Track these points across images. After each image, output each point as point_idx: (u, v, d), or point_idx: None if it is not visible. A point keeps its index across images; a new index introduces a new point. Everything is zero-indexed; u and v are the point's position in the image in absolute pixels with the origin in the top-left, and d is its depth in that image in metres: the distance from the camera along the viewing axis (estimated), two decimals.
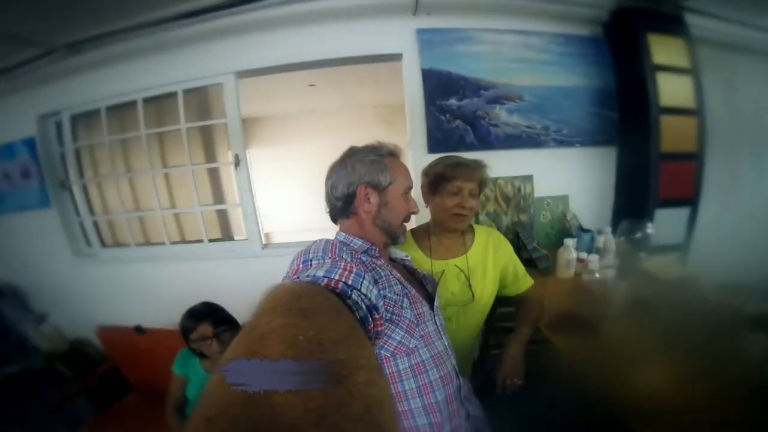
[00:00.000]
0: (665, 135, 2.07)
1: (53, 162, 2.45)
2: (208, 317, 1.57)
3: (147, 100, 2.27)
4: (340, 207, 1.03)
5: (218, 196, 2.49)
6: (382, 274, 0.93)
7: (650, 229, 1.99)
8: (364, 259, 0.93)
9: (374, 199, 0.99)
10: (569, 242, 1.86)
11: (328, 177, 1.06)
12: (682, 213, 2.18)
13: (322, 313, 0.40)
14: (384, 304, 0.85)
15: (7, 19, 1.77)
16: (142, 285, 2.47)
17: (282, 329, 0.33)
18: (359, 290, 0.56)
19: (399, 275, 0.98)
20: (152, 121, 2.32)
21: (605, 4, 2.12)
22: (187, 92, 2.24)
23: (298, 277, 0.58)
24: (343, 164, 1.03)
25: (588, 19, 2.19)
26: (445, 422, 0.93)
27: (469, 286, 1.37)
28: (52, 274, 2.60)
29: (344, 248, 0.85)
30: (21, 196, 2.52)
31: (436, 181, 1.34)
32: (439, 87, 2.16)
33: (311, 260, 0.74)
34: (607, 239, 2.02)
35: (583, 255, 1.90)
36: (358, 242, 0.98)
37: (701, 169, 2.15)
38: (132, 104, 2.27)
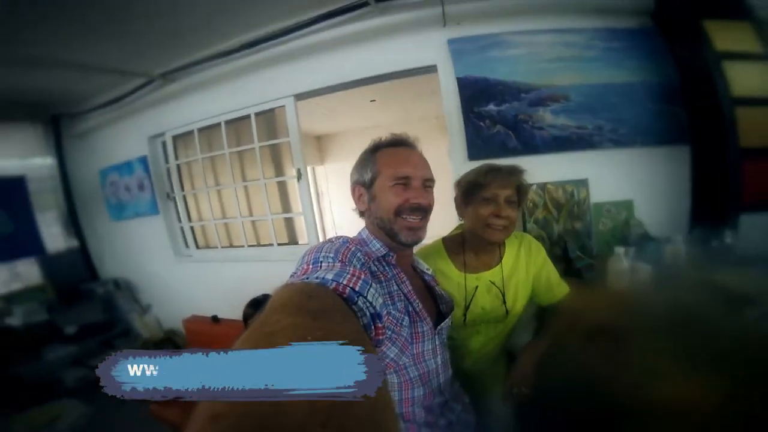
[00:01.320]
0: (744, 129, 1.78)
1: (161, 176, 3.01)
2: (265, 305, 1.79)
3: (228, 122, 2.70)
4: (356, 209, 1.05)
5: (285, 205, 2.81)
6: (390, 289, 0.91)
7: (730, 237, 1.73)
8: (373, 268, 0.90)
9: (365, 196, 0.98)
10: (620, 251, 1.64)
11: None
12: None
13: (331, 315, 0.41)
14: (388, 319, 0.85)
15: (115, 55, 2.30)
16: (223, 282, 2.85)
17: (291, 329, 0.34)
18: (365, 297, 0.56)
19: (409, 289, 0.95)
20: (232, 141, 2.74)
21: None
22: (258, 114, 2.61)
23: (307, 278, 0.58)
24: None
25: (631, 10, 2.03)
26: (421, 429, 0.94)
27: (504, 302, 1.28)
28: (157, 271, 3.15)
29: (358, 252, 0.80)
30: (137, 205, 3.11)
31: (468, 189, 1.24)
32: (477, 94, 2.16)
33: (321, 261, 0.71)
34: (677, 249, 1.77)
35: (640, 265, 1.70)
36: (376, 245, 0.95)
37: None
38: (217, 126, 2.72)
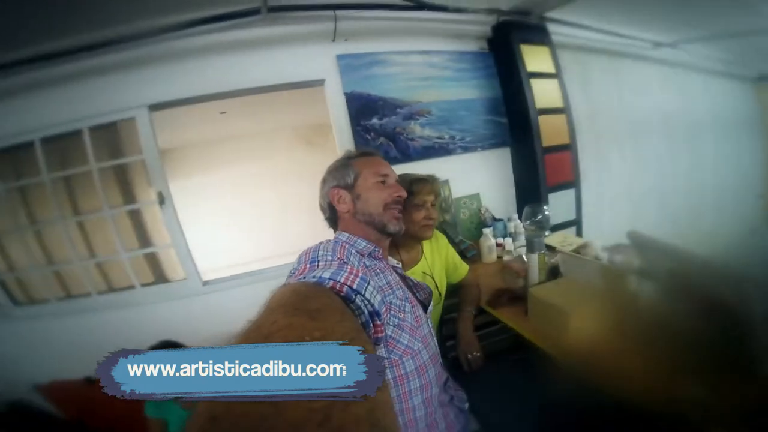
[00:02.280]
0: (544, 132, 2.51)
1: None
2: None
3: (46, 140, 2.05)
4: (330, 217, 1.10)
5: (143, 237, 2.33)
6: (388, 278, 0.97)
7: (547, 211, 2.42)
8: (368, 263, 0.95)
9: (346, 197, 1.03)
10: (487, 231, 2.18)
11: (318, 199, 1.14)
12: (569, 194, 2.66)
13: (328, 315, 0.40)
14: (391, 309, 0.91)
15: None
16: (76, 338, 2.19)
17: (288, 329, 0.33)
18: (363, 295, 0.56)
19: (398, 279, 1.03)
20: (55, 164, 2.10)
21: (488, 20, 2.49)
22: (94, 129, 2.08)
23: (304, 277, 0.58)
24: (321, 181, 1.12)
25: (476, 36, 2.56)
26: (437, 411, 1.02)
27: (436, 286, 1.51)
28: None
29: (352, 250, 0.88)
30: None
31: None
32: (362, 108, 2.35)
33: (318, 260, 0.75)
34: (516, 224, 2.38)
35: (500, 240, 2.22)
36: (362, 243, 1.00)
37: (576, 156, 2.66)
38: (28, 145, 2.04)
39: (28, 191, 2.14)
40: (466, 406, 1.17)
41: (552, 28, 2.57)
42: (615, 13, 2.58)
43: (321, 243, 0.84)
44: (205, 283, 2.35)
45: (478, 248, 2.19)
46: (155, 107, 2.13)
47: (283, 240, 4.02)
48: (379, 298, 0.61)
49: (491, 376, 1.46)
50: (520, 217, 2.43)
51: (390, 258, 1.17)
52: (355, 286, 0.56)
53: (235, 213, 4.40)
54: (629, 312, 1.16)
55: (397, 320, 0.91)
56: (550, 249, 2.14)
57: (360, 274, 0.59)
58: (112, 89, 2.05)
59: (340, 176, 1.05)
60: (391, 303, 0.92)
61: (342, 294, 0.54)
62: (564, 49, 2.62)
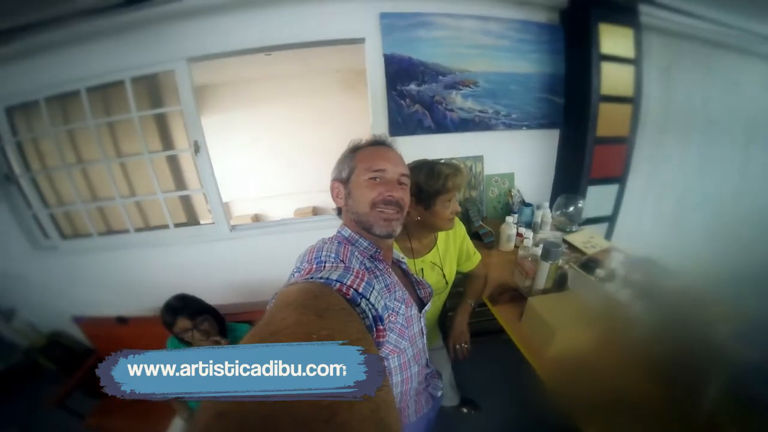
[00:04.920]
0: (602, 121, 2.28)
1: None
2: (183, 311, 1.62)
3: (92, 89, 2.11)
4: (336, 208, 1.04)
5: (179, 181, 2.45)
6: (388, 281, 0.94)
7: (581, 204, 2.30)
8: (368, 265, 0.91)
9: (342, 192, 0.98)
10: (510, 219, 2.11)
11: None
12: (611, 189, 2.48)
13: (335, 315, 0.41)
14: (389, 315, 0.90)
15: None
16: (113, 273, 2.46)
17: (296, 327, 0.34)
18: (368, 299, 0.57)
19: (396, 279, 0.99)
20: (99, 111, 2.18)
21: None
22: (136, 80, 2.11)
23: (311, 278, 0.58)
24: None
25: (547, 5, 2.25)
26: (411, 398, 1.09)
27: (444, 276, 1.51)
28: (12, 269, 2.50)
29: (354, 252, 0.85)
30: None
31: (429, 195, 1.34)
32: (400, 72, 2.21)
33: (324, 262, 0.73)
34: (545, 213, 2.29)
35: (522, 230, 2.14)
36: (364, 243, 0.94)
37: (631, 151, 2.42)
38: (75, 94, 2.11)
39: (76, 134, 2.26)
40: (439, 393, 1.23)
41: (644, 9, 2.17)
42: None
43: (324, 243, 0.82)
44: (233, 228, 2.49)
45: (497, 235, 2.15)
46: (194, 59, 2.10)
47: (315, 178, 4.11)
48: (382, 303, 0.62)
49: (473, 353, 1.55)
50: (551, 207, 2.34)
51: (395, 251, 1.13)
52: (360, 290, 0.57)
53: (270, 149, 4.40)
54: (613, 342, 1.20)
55: (388, 322, 0.89)
56: (571, 247, 2.10)
57: (365, 279, 0.61)
58: (155, 42, 2.03)
59: (340, 168, 0.99)
60: (386, 306, 0.91)
61: (348, 297, 0.54)
62: (653, 33, 2.23)
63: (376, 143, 1.01)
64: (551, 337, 1.28)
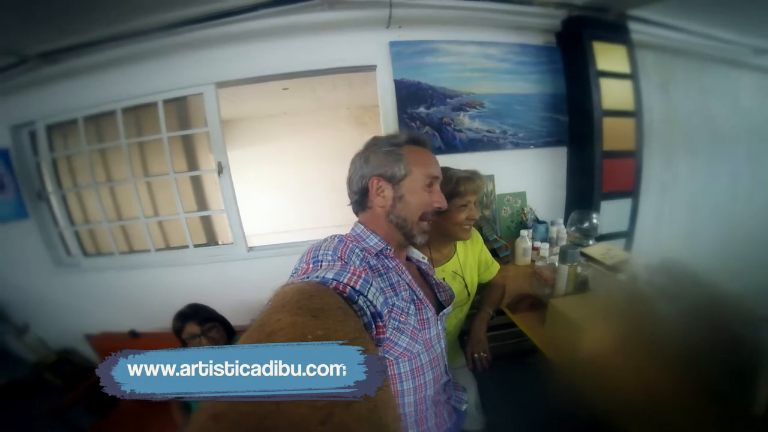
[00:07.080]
0: (607, 135, 2.34)
1: (29, 172, 2.41)
2: (194, 317, 1.66)
3: (126, 110, 2.31)
4: (357, 201, 0.98)
5: (201, 202, 2.56)
6: (394, 279, 0.91)
7: (596, 219, 2.29)
8: (373, 263, 0.89)
9: (388, 192, 0.92)
10: (525, 233, 2.11)
11: (349, 170, 1.00)
12: (625, 204, 2.47)
13: (331, 314, 0.40)
14: (392, 312, 0.87)
15: None
16: (130, 292, 2.49)
17: (291, 328, 0.33)
18: (366, 296, 0.57)
19: (410, 278, 0.96)
20: (132, 131, 2.35)
21: (558, 14, 2.34)
22: (167, 102, 2.30)
23: (307, 277, 0.58)
24: (360, 156, 0.97)
25: (542, 29, 2.42)
26: (429, 409, 1.02)
27: (466, 286, 1.48)
28: (32, 285, 2.54)
29: (356, 248, 0.81)
30: None
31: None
32: (410, 96, 2.34)
33: (321, 261, 0.71)
34: (559, 229, 2.29)
35: (537, 244, 2.14)
36: (374, 239, 0.92)
37: (640, 165, 2.45)
38: (110, 114, 2.30)
39: (107, 153, 2.42)
40: (464, 407, 1.17)
41: (634, 26, 2.34)
42: (716, 14, 2.29)
43: (324, 241, 0.80)
44: (250, 249, 2.53)
45: (513, 249, 2.14)
46: (221, 84, 2.29)
47: (326, 214, 4.23)
48: (381, 299, 0.61)
49: (500, 377, 1.48)
50: (565, 223, 2.34)
51: (416, 252, 1.10)
52: (357, 287, 0.57)
53: (284, 185, 4.61)
54: (644, 338, 1.13)
55: (397, 323, 0.87)
56: (589, 259, 2.06)
57: (363, 275, 0.60)
58: (185, 66, 2.23)
59: (388, 166, 0.92)
60: (393, 305, 0.87)
61: (345, 295, 0.54)
62: (645, 49, 2.38)
63: (419, 142, 0.98)
64: (578, 336, 1.23)
